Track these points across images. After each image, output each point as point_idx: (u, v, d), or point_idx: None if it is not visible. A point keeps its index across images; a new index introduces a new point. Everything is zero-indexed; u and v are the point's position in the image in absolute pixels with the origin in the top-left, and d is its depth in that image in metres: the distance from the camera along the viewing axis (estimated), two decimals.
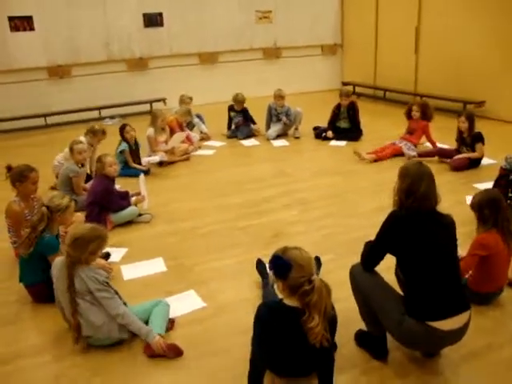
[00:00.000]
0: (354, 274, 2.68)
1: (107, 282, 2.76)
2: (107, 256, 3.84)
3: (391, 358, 2.67)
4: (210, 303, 3.24)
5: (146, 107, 9.37)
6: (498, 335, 2.84)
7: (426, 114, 6.38)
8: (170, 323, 2.97)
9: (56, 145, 7.79)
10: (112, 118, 9.03)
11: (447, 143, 6.38)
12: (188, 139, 6.85)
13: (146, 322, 2.85)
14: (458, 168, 5.66)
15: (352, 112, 7.04)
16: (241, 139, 7.38)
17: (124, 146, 5.94)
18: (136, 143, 6.13)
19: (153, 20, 9.36)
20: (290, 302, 2.29)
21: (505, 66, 7.65)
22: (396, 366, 2.62)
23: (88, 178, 5.35)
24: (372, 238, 2.75)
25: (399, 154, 6.25)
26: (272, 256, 2.32)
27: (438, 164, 5.90)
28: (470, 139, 5.66)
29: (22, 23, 8.50)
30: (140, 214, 4.60)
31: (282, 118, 7.29)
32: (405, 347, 2.60)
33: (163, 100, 9.41)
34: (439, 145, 6.40)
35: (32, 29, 8.59)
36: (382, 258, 2.60)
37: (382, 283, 2.60)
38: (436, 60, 8.84)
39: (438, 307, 2.34)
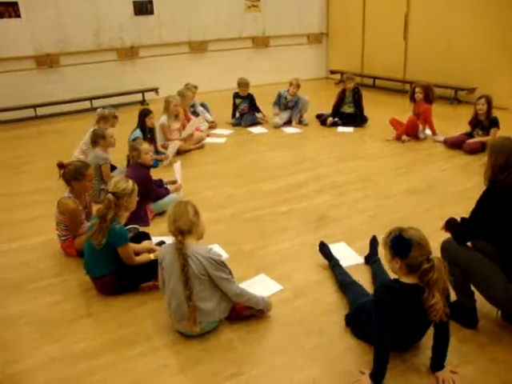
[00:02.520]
0: (447, 249, 2.76)
1: (223, 262, 2.71)
2: (162, 244, 3.75)
3: (480, 326, 2.78)
4: (286, 286, 3.24)
5: (138, 97, 9.18)
6: None
7: (428, 97, 6.47)
8: (258, 310, 2.95)
9: (48, 136, 7.55)
10: (104, 108, 8.72)
11: (443, 129, 6.57)
12: (196, 128, 6.76)
13: None
14: (472, 152, 5.83)
15: (357, 96, 7.15)
16: (245, 127, 7.36)
17: (138, 133, 5.76)
18: (151, 131, 5.97)
19: (143, 8, 9.12)
20: (406, 279, 2.36)
21: (495, 53, 7.95)
22: (488, 333, 2.73)
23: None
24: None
25: (412, 133, 6.42)
26: (392, 235, 2.37)
27: (450, 147, 6.11)
28: (488, 122, 5.83)
29: (6, 9, 8.05)
30: None
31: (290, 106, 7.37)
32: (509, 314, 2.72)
33: (155, 90, 9.22)
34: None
35: (18, 16, 8.17)
36: (478, 232, 2.69)
37: (479, 255, 2.69)
38: (425, 47, 9.09)
39: None
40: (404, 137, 6.40)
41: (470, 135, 6.02)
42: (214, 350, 2.69)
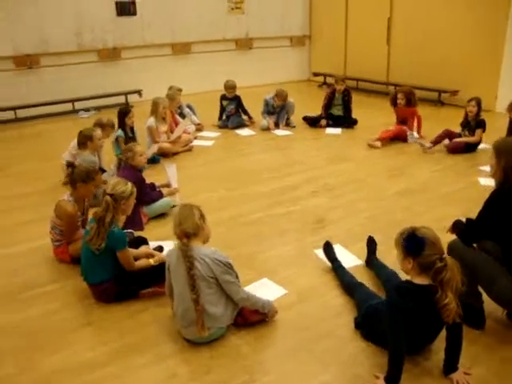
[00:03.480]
0: (454, 250, 2.75)
1: (230, 263, 2.65)
2: (160, 249, 3.67)
3: (486, 326, 2.77)
4: (290, 290, 3.19)
5: (121, 99, 9.00)
6: None
7: (411, 101, 6.56)
8: (263, 314, 2.89)
9: (29, 139, 7.34)
10: (86, 110, 8.59)
11: (427, 130, 6.64)
12: (183, 130, 6.66)
13: None
14: (453, 150, 5.92)
15: (347, 98, 7.17)
16: (232, 129, 7.31)
17: (119, 132, 5.64)
18: (132, 130, 5.86)
19: (126, 8, 8.96)
20: (419, 280, 2.34)
21: (478, 55, 8.11)
22: (495, 334, 2.74)
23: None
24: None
25: (401, 138, 6.47)
26: (405, 234, 2.35)
27: (437, 149, 6.17)
28: (475, 124, 5.93)
29: None
30: (173, 206, 4.43)
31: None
32: None
33: (138, 92, 9.07)
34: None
35: None
36: (485, 233, 2.70)
37: (486, 256, 2.70)
38: (409, 50, 9.20)
39: None
40: (377, 142, 6.32)
41: (459, 136, 6.11)
42: (223, 357, 2.61)
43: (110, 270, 3.08)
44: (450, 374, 2.40)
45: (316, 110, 7.65)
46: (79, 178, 3.48)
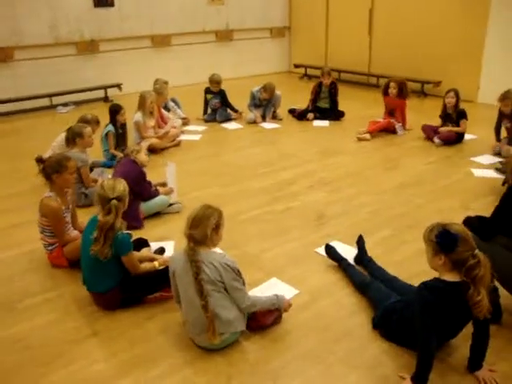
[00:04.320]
0: None
1: (238, 270, 2.54)
2: (162, 251, 3.53)
3: (503, 320, 2.76)
4: (302, 289, 3.11)
5: (101, 93, 8.71)
6: None
7: (403, 92, 6.53)
8: (277, 310, 2.79)
9: (4, 137, 7.01)
10: (65, 105, 8.27)
11: (412, 121, 6.67)
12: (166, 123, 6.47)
13: None
14: (446, 140, 5.93)
15: (333, 91, 7.10)
16: (220, 122, 7.16)
17: (110, 127, 5.46)
18: (122, 127, 5.67)
19: None
20: (449, 277, 2.29)
21: (460, 46, 8.15)
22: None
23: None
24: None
25: (389, 130, 6.45)
26: (436, 230, 2.29)
27: (426, 141, 6.17)
28: (456, 115, 5.93)
29: None
30: (170, 205, 4.29)
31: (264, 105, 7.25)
32: None
33: (118, 85, 8.79)
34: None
35: None
36: (503, 228, 2.68)
37: (502, 250, 2.68)
38: (390, 41, 9.18)
39: None
40: (366, 135, 6.25)
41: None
42: (242, 363, 2.51)
43: (115, 276, 2.94)
44: (476, 372, 2.37)
45: (299, 102, 7.60)
46: (52, 169, 3.34)
